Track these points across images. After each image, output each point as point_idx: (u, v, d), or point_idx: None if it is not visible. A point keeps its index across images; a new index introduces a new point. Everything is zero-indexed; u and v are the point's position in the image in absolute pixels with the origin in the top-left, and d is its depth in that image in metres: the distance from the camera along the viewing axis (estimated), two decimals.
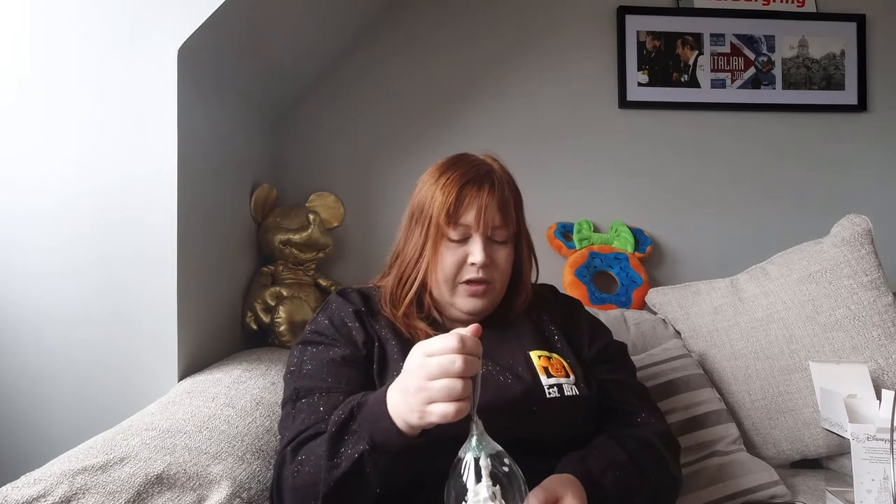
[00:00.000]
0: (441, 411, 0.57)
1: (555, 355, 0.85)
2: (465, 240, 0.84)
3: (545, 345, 0.87)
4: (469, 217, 0.83)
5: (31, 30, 1.06)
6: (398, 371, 0.75)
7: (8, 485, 0.67)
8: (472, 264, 0.83)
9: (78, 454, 0.75)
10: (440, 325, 0.88)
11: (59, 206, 1.06)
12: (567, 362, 0.85)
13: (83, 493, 0.68)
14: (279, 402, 0.98)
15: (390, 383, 0.65)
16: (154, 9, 1.07)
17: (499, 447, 0.60)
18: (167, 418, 0.89)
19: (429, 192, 0.86)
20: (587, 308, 1.02)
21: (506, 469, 0.59)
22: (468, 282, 0.84)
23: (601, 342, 0.92)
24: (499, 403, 0.76)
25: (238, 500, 0.78)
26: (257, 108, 1.52)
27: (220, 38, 1.15)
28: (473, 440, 0.59)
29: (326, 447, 0.66)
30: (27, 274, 1.05)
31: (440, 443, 0.60)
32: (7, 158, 1.05)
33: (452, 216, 0.83)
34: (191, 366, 1.12)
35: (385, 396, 0.63)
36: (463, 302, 0.85)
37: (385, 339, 0.84)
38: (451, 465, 0.59)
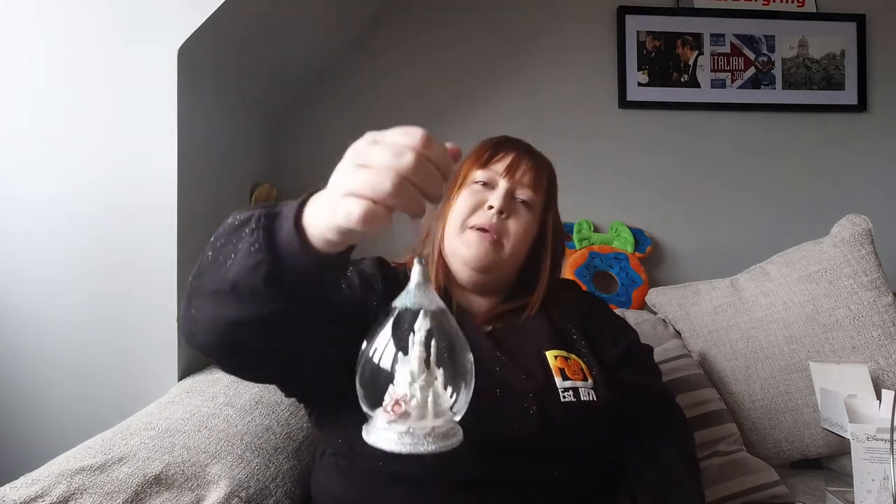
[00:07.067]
0: (347, 209, 0.43)
1: (573, 356, 0.79)
2: (490, 188, 0.84)
3: (564, 344, 0.81)
4: (500, 165, 0.84)
5: (31, 30, 1.06)
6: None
7: (7, 485, 0.67)
8: (490, 208, 0.81)
9: (76, 454, 0.75)
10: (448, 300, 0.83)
11: (60, 205, 1.06)
12: (586, 364, 0.79)
13: (81, 494, 0.68)
14: (279, 400, 0.98)
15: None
16: (154, 9, 1.07)
17: (443, 305, 0.47)
18: (166, 418, 0.89)
19: (465, 158, 0.87)
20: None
21: (451, 332, 0.47)
22: (478, 228, 0.81)
23: (625, 342, 0.87)
24: (506, 398, 0.71)
25: (237, 499, 0.78)
26: (257, 108, 1.52)
27: (220, 38, 1.15)
28: (412, 286, 0.47)
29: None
30: (27, 274, 1.05)
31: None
32: (8, 159, 1.05)
33: (484, 160, 0.85)
34: (191, 365, 1.12)
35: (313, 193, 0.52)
36: (465, 248, 0.81)
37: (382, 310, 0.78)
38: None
